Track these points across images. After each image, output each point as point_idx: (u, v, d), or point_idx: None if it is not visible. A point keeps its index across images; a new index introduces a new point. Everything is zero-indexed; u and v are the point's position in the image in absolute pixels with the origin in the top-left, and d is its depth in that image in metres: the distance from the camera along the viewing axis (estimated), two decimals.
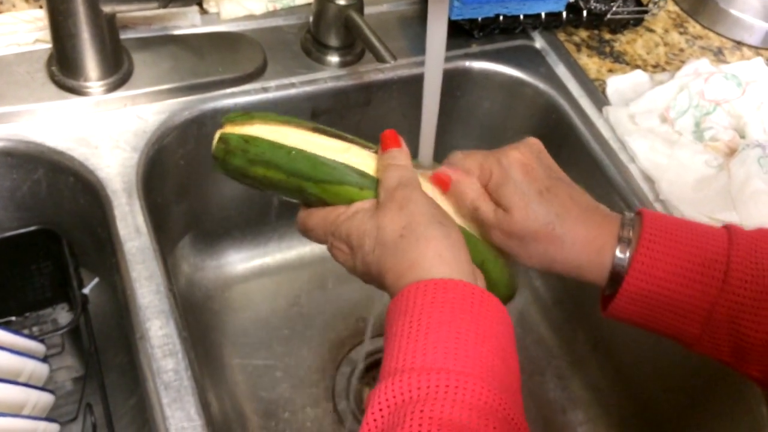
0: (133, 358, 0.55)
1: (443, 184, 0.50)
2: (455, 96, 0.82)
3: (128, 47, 0.69)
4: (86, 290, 0.67)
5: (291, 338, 0.81)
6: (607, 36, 0.88)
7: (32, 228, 0.66)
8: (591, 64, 0.84)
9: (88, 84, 0.65)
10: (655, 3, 0.89)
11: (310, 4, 0.77)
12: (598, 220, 0.50)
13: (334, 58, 0.75)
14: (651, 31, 0.90)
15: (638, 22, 0.89)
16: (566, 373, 0.83)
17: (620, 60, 0.85)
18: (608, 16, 0.85)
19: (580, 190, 0.52)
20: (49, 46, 0.66)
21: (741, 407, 0.63)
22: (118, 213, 0.60)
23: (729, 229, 0.50)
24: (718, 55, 0.90)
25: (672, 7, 0.95)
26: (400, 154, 0.50)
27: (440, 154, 0.54)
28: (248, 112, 0.52)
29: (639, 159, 0.73)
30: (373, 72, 0.76)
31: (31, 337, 0.61)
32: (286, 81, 0.73)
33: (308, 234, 0.52)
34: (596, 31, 0.88)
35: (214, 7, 0.77)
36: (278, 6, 0.79)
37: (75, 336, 0.69)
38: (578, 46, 0.86)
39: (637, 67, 0.84)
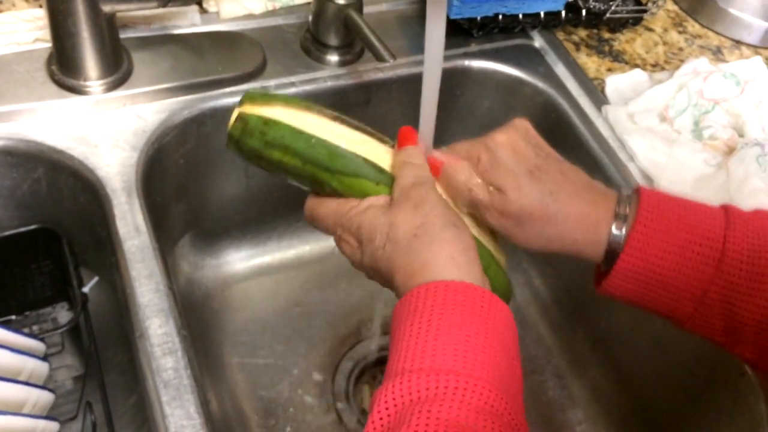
0: (133, 356, 0.55)
1: (434, 169, 0.50)
2: (454, 95, 0.82)
3: (128, 46, 0.69)
4: (86, 289, 0.67)
5: (290, 337, 0.81)
6: (606, 35, 0.88)
7: (32, 227, 0.66)
8: (590, 63, 0.84)
9: (87, 83, 0.65)
10: (654, 2, 0.89)
11: (309, 4, 0.77)
12: (592, 196, 0.50)
13: (333, 58, 0.75)
14: (650, 30, 0.90)
15: (637, 21, 0.89)
16: (565, 372, 0.83)
17: (619, 59, 0.85)
18: (607, 15, 0.86)
19: (572, 167, 0.52)
20: (49, 45, 0.66)
21: (740, 406, 0.63)
22: (117, 212, 0.60)
23: (726, 209, 0.49)
24: (717, 54, 0.90)
25: (671, 6, 0.95)
26: (416, 152, 0.50)
27: None
28: (269, 93, 0.51)
29: (638, 158, 0.73)
30: (372, 71, 0.76)
31: (31, 335, 0.61)
32: (285, 80, 0.73)
33: (315, 223, 0.52)
34: (595, 30, 0.88)
35: (213, 7, 0.77)
36: (277, 5, 0.79)
37: (75, 335, 0.69)
38: (577, 45, 0.86)
39: (636, 66, 0.84)
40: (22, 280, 0.70)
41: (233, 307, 0.83)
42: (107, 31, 0.64)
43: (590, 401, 0.81)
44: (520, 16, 0.82)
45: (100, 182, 0.62)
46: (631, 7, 0.88)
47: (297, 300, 0.84)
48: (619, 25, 0.88)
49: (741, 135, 0.74)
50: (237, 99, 0.70)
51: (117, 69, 0.67)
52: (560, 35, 0.86)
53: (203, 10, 0.77)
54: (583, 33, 0.88)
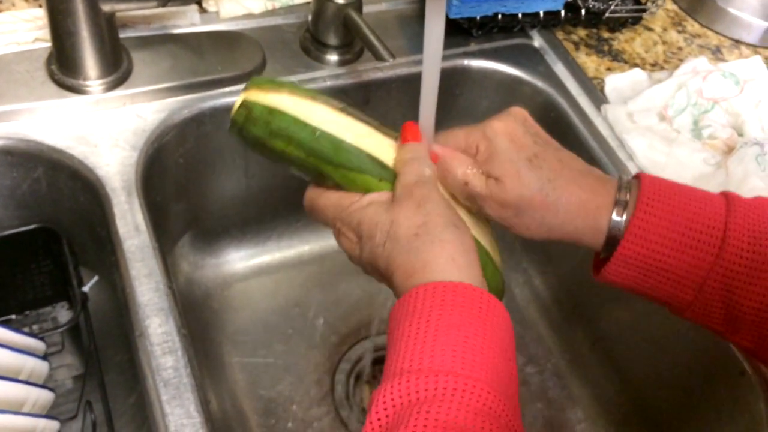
0: (133, 355, 0.55)
1: (432, 158, 0.50)
2: (454, 94, 0.82)
3: (127, 46, 0.69)
4: (86, 288, 0.67)
5: (290, 336, 0.81)
6: (606, 34, 0.88)
7: (32, 226, 0.66)
8: (589, 62, 0.84)
9: (87, 83, 0.66)
10: (653, 1, 0.89)
11: (308, 3, 0.77)
12: (591, 183, 0.50)
13: (332, 57, 0.75)
14: (649, 29, 0.90)
15: (637, 20, 0.89)
16: (565, 371, 0.83)
17: (619, 58, 0.85)
18: (606, 14, 0.86)
19: (570, 154, 0.51)
20: (49, 44, 0.66)
21: (739, 405, 0.63)
22: (117, 211, 0.60)
23: (727, 196, 0.49)
24: (717, 53, 0.90)
25: (670, 5, 0.95)
26: (420, 149, 0.49)
27: None
28: (276, 80, 0.50)
29: (637, 157, 0.73)
30: (372, 71, 0.76)
31: (31, 334, 0.61)
32: (285, 80, 0.73)
33: (314, 214, 0.52)
34: (595, 30, 0.88)
35: (213, 6, 0.77)
36: (277, 5, 0.79)
37: (75, 334, 0.69)
38: (577, 45, 0.86)
39: (636, 65, 0.84)
40: (22, 280, 0.70)
41: (233, 307, 0.83)
42: (107, 31, 0.64)
43: (590, 401, 0.81)
44: (520, 15, 0.82)
45: (99, 182, 0.62)
46: (630, 7, 0.88)
47: (297, 299, 0.84)
48: (618, 25, 0.88)
49: (740, 134, 0.74)
50: (237, 99, 0.70)
51: (116, 68, 0.67)
52: (559, 35, 0.86)
53: (203, 10, 0.77)
54: (582, 32, 0.88)
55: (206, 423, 0.50)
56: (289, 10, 0.80)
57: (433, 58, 0.49)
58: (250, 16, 0.78)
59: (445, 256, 0.44)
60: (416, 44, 0.79)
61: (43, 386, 0.59)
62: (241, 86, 0.71)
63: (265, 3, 0.79)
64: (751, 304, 0.47)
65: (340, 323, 0.83)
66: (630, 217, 0.48)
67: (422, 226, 0.45)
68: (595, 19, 0.87)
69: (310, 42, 0.75)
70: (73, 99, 0.65)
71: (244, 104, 0.49)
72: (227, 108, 0.71)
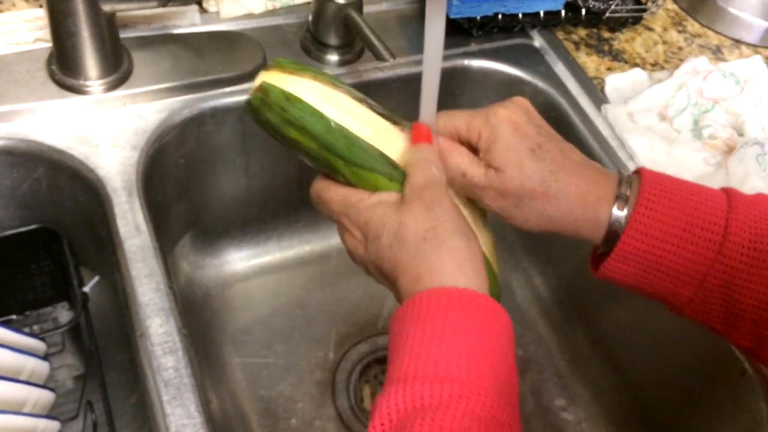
0: (134, 356, 0.55)
1: (426, 137, 0.49)
2: (454, 94, 0.82)
3: (128, 46, 0.69)
4: (86, 288, 0.67)
5: (291, 336, 0.81)
6: (606, 34, 0.88)
7: (32, 227, 0.67)
8: (590, 62, 0.84)
9: (88, 83, 0.66)
10: (653, 1, 0.89)
11: (309, 3, 0.77)
12: (592, 175, 0.49)
13: (333, 57, 0.75)
14: (650, 29, 0.90)
15: (637, 20, 0.89)
16: (565, 371, 0.83)
17: (619, 58, 0.85)
18: (607, 14, 0.86)
19: (572, 147, 0.51)
20: (49, 45, 0.66)
21: (740, 405, 0.63)
22: (118, 211, 0.60)
23: (728, 193, 0.49)
24: (717, 53, 0.90)
25: (671, 5, 0.95)
26: (431, 151, 0.49)
27: None
28: (299, 63, 0.49)
29: (638, 157, 0.73)
30: (372, 71, 0.76)
31: (31, 335, 0.61)
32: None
33: (320, 206, 0.52)
34: (595, 30, 0.88)
35: (213, 6, 0.77)
36: (277, 5, 0.79)
37: (75, 334, 0.69)
38: (577, 45, 0.86)
39: (636, 65, 0.84)
40: (23, 280, 0.70)
41: (234, 307, 0.83)
42: (107, 31, 0.64)
43: (590, 401, 0.81)
44: (520, 15, 0.82)
45: (100, 182, 0.62)
46: (630, 7, 0.88)
47: (297, 299, 0.84)
48: (618, 25, 0.88)
49: (740, 134, 0.74)
50: (237, 98, 0.71)
51: (117, 69, 0.67)
52: (560, 34, 0.86)
53: (203, 10, 0.77)
54: (582, 32, 0.88)
55: (207, 423, 0.50)
56: (289, 10, 0.80)
57: (433, 59, 0.49)
58: (250, 16, 0.78)
59: (453, 262, 0.43)
60: (417, 44, 0.79)
61: (43, 386, 0.59)
62: (241, 86, 0.71)
63: (265, 3, 0.79)
64: (750, 302, 0.47)
65: (341, 323, 0.83)
66: (631, 212, 0.48)
67: (431, 230, 0.44)
68: (595, 19, 0.87)
69: (311, 42, 0.75)
70: (74, 99, 0.65)
71: (262, 87, 0.48)
72: (228, 108, 0.71)
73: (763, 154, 0.69)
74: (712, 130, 0.74)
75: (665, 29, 0.91)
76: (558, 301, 0.87)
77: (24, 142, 0.63)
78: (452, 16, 0.79)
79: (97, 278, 0.72)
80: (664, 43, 0.89)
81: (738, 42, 0.92)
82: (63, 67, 0.65)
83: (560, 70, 0.82)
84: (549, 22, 0.84)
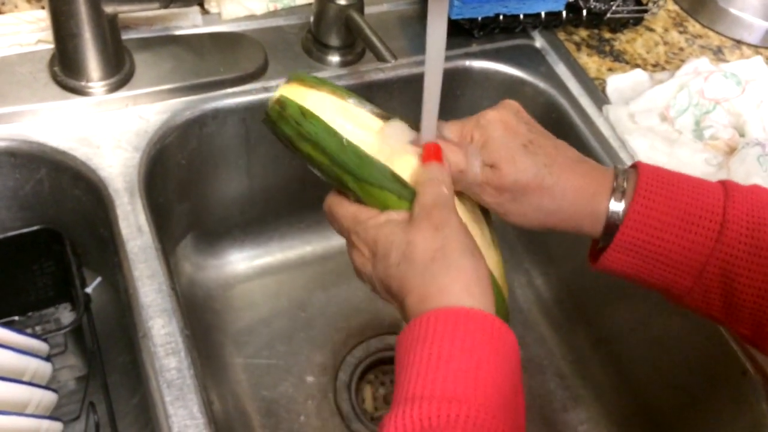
0: (136, 356, 0.55)
1: (436, 156, 0.50)
2: (455, 95, 0.83)
3: (130, 47, 0.69)
4: (89, 289, 0.67)
5: (292, 337, 0.81)
6: (607, 35, 0.88)
7: (35, 228, 0.67)
8: (591, 63, 0.84)
9: (90, 84, 0.66)
10: (654, 2, 0.89)
11: (310, 4, 0.78)
12: (587, 169, 0.50)
13: (334, 58, 0.75)
14: (651, 30, 0.91)
15: (638, 21, 0.89)
16: (567, 371, 0.84)
17: (620, 59, 0.85)
18: (608, 15, 0.86)
19: (565, 144, 0.52)
20: (51, 46, 0.66)
21: (742, 405, 0.63)
22: (120, 212, 0.60)
23: (725, 184, 0.50)
24: (718, 54, 0.90)
25: (672, 6, 0.96)
26: (441, 171, 0.49)
27: None
28: (318, 78, 0.50)
29: (639, 157, 0.73)
30: (373, 71, 0.76)
31: (34, 336, 0.61)
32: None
33: (331, 220, 0.52)
34: (596, 31, 0.88)
35: (215, 8, 0.77)
36: (279, 6, 0.80)
37: (78, 335, 0.70)
38: (578, 46, 0.86)
39: (637, 66, 0.84)
40: (25, 281, 0.70)
41: (235, 308, 0.83)
42: (109, 32, 0.64)
43: (592, 401, 0.81)
44: (521, 16, 0.82)
45: (102, 183, 0.62)
46: (631, 7, 0.88)
47: (299, 300, 0.84)
48: (619, 25, 0.88)
49: (742, 135, 0.74)
50: (239, 99, 0.71)
51: (119, 70, 0.67)
52: (561, 35, 0.87)
53: (205, 11, 0.77)
54: (584, 33, 0.88)
55: (209, 424, 0.51)
56: (290, 11, 0.80)
57: (435, 59, 0.49)
58: (252, 17, 0.78)
59: (460, 283, 0.43)
60: (418, 45, 0.79)
61: (46, 387, 0.59)
62: (243, 87, 0.71)
63: (267, 4, 0.79)
64: (750, 291, 0.47)
65: (343, 324, 0.83)
66: (629, 203, 0.48)
67: (439, 250, 0.44)
68: (596, 20, 0.87)
69: (312, 43, 0.75)
70: (76, 100, 0.66)
71: (279, 100, 0.49)
72: (229, 109, 0.71)
73: (765, 154, 0.70)
74: (714, 131, 0.74)
75: (666, 30, 0.91)
76: (559, 301, 0.87)
77: (26, 144, 0.63)
78: (453, 17, 0.79)
79: (99, 279, 0.72)
80: (665, 43, 0.89)
81: (739, 42, 0.92)
82: (65, 69, 0.65)
83: (561, 70, 0.82)
84: (550, 22, 0.84)
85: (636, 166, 0.51)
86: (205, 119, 0.70)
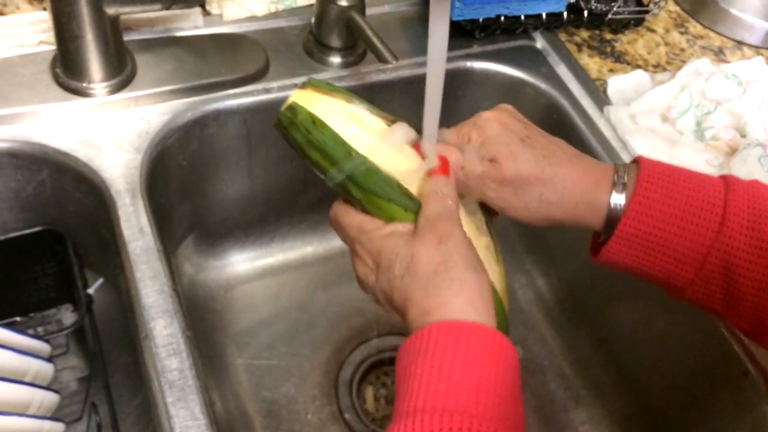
0: (138, 357, 0.56)
1: (443, 169, 0.50)
2: (457, 96, 0.83)
3: (131, 49, 0.69)
4: (91, 290, 0.67)
5: (294, 338, 0.81)
6: (608, 36, 0.88)
7: (37, 229, 0.67)
8: (592, 64, 0.84)
9: (91, 85, 0.66)
10: (655, 3, 0.89)
11: (312, 6, 0.78)
12: (586, 163, 0.51)
13: (336, 59, 0.75)
14: (652, 31, 0.91)
15: (639, 22, 0.89)
16: (568, 372, 0.84)
17: (621, 60, 0.85)
18: (609, 16, 0.86)
19: (561, 140, 0.53)
20: (53, 47, 0.66)
21: (743, 405, 0.63)
22: (122, 213, 0.60)
23: (725, 178, 0.50)
24: (719, 54, 0.90)
25: (672, 7, 0.96)
26: (446, 184, 0.49)
27: None
28: (332, 85, 0.50)
29: None
30: (374, 73, 0.76)
31: (36, 336, 0.61)
32: (288, 82, 0.73)
33: (336, 228, 0.52)
34: (597, 31, 0.88)
35: (216, 9, 0.78)
36: (280, 7, 0.80)
37: (80, 336, 0.70)
38: (579, 46, 0.86)
39: (638, 66, 0.84)
40: (27, 282, 0.71)
41: (236, 309, 0.83)
42: (111, 34, 0.64)
43: (593, 401, 0.81)
44: (522, 17, 0.82)
45: (104, 184, 0.62)
46: (632, 8, 0.88)
47: (300, 301, 0.85)
48: (620, 26, 0.88)
49: (743, 135, 0.74)
50: (240, 101, 0.71)
51: (121, 71, 0.67)
52: (562, 36, 0.87)
53: (206, 13, 0.77)
54: (585, 34, 0.88)
55: (211, 425, 0.51)
56: (292, 12, 0.80)
57: (437, 61, 0.49)
58: (253, 18, 0.78)
59: (462, 297, 0.44)
60: (419, 46, 0.79)
61: (48, 388, 0.59)
62: (244, 89, 0.71)
63: (268, 5, 0.79)
64: (750, 284, 0.47)
65: (344, 325, 0.83)
66: (631, 194, 0.49)
67: (442, 263, 0.44)
68: (597, 21, 0.87)
69: (313, 44, 0.75)
70: (78, 102, 0.66)
71: (291, 107, 0.49)
72: (231, 110, 0.71)
73: (766, 155, 0.70)
74: (715, 132, 0.74)
75: (667, 31, 0.91)
76: (560, 302, 0.88)
77: (28, 145, 0.63)
78: (455, 18, 0.79)
79: (101, 280, 0.72)
80: (666, 44, 0.89)
81: (740, 43, 0.92)
82: (67, 70, 0.65)
83: (562, 71, 0.82)
84: (551, 23, 0.84)
85: (637, 160, 0.51)
86: (207, 120, 0.70)
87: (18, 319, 0.72)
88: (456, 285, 0.44)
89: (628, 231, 0.49)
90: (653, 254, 0.49)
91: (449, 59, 0.71)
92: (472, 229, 0.51)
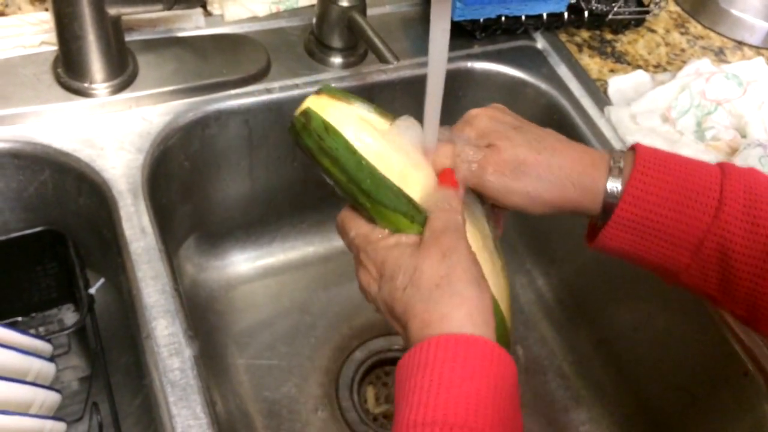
0: (139, 357, 0.56)
1: (452, 182, 0.51)
2: (457, 96, 0.83)
3: (133, 49, 0.70)
4: (92, 290, 0.67)
5: (295, 338, 0.82)
6: (609, 36, 0.88)
7: (38, 229, 0.67)
8: (592, 64, 0.84)
9: (93, 86, 0.66)
10: (656, 3, 0.89)
11: (313, 6, 0.78)
12: (580, 147, 0.52)
13: (337, 60, 0.76)
14: (652, 31, 0.91)
15: (639, 22, 0.89)
16: (569, 372, 0.84)
17: (622, 60, 0.85)
18: (609, 16, 0.86)
19: (553, 131, 0.54)
20: (55, 48, 0.66)
21: (743, 406, 0.63)
22: (123, 214, 0.60)
23: (722, 164, 0.50)
24: (720, 55, 0.90)
25: (673, 7, 0.96)
26: (453, 197, 0.49)
27: None
28: (347, 93, 0.51)
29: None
30: (375, 73, 0.76)
31: (37, 336, 0.61)
32: (289, 82, 0.73)
33: (342, 235, 0.52)
34: (598, 32, 0.89)
35: (217, 9, 0.78)
36: (281, 8, 0.80)
37: (81, 336, 0.70)
38: (580, 47, 0.86)
39: (639, 67, 0.84)
40: (28, 282, 0.71)
41: (238, 309, 0.83)
42: (113, 34, 0.64)
43: (594, 401, 0.81)
44: (523, 17, 0.82)
45: (106, 184, 0.62)
46: (633, 9, 0.88)
47: (301, 301, 0.85)
48: (621, 27, 0.88)
49: (743, 136, 0.74)
50: (241, 101, 0.71)
51: (122, 72, 0.67)
52: (563, 37, 0.87)
53: (207, 13, 0.78)
54: (585, 34, 0.88)
55: (212, 424, 0.51)
56: (293, 13, 0.80)
57: (438, 61, 0.49)
58: (254, 19, 0.78)
59: (463, 311, 0.44)
60: (420, 46, 0.79)
61: (49, 388, 0.59)
62: (245, 89, 0.71)
63: (269, 6, 0.79)
64: (746, 269, 0.47)
65: (345, 325, 0.84)
66: (627, 179, 0.49)
67: (445, 277, 0.45)
68: (598, 21, 0.87)
69: (315, 45, 0.76)
70: (79, 102, 0.66)
71: (305, 112, 0.49)
72: (232, 110, 0.71)
73: (766, 155, 0.70)
74: (715, 132, 0.74)
75: (668, 31, 0.91)
76: (561, 302, 0.88)
77: (30, 145, 0.63)
78: (455, 19, 0.79)
79: (102, 280, 0.72)
80: (667, 44, 0.89)
81: (740, 43, 0.92)
82: (69, 70, 0.66)
83: (563, 72, 0.82)
84: (552, 24, 0.84)
85: (633, 147, 0.52)
86: (208, 121, 0.70)
87: (20, 318, 0.72)
88: (457, 299, 0.44)
89: (624, 216, 0.49)
90: (650, 239, 0.49)
91: (450, 59, 0.71)
92: (479, 244, 0.51)
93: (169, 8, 0.65)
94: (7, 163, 0.64)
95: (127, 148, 0.65)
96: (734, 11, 0.92)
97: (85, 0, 0.60)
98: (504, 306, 0.51)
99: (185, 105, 0.69)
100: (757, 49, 0.92)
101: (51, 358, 0.62)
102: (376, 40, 0.67)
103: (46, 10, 0.72)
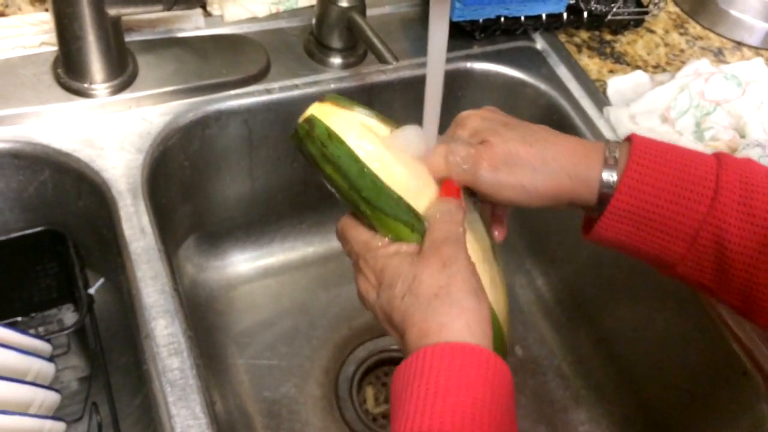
0: (139, 357, 0.56)
1: (454, 192, 0.51)
2: (457, 96, 0.83)
3: (133, 50, 0.70)
4: (92, 290, 0.67)
5: (294, 338, 0.82)
6: (608, 37, 0.88)
7: (38, 229, 0.67)
8: (592, 64, 0.84)
9: (93, 86, 0.66)
10: (655, 4, 0.89)
11: (312, 7, 0.78)
12: (574, 138, 0.52)
13: (336, 60, 0.76)
14: (651, 31, 0.91)
15: (639, 23, 0.89)
16: (568, 372, 0.84)
17: (621, 61, 0.86)
18: (609, 17, 0.86)
19: (545, 126, 0.54)
20: (55, 48, 0.66)
21: (742, 405, 0.63)
22: (123, 214, 0.61)
23: (718, 155, 0.50)
24: (719, 55, 0.90)
25: (672, 7, 0.96)
26: (455, 208, 0.49)
27: None
28: (352, 100, 0.51)
29: None
30: (375, 73, 0.77)
31: (37, 336, 0.61)
32: (289, 83, 0.73)
33: (342, 242, 0.52)
34: (597, 32, 0.89)
35: (217, 10, 0.78)
36: (281, 8, 0.80)
37: (81, 336, 0.70)
38: (579, 47, 0.86)
39: (638, 67, 0.85)
40: (28, 282, 0.71)
41: (237, 309, 0.83)
42: (113, 35, 0.64)
43: (593, 401, 0.81)
44: (522, 18, 0.82)
45: (105, 184, 0.62)
46: (632, 9, 0.88)
47: (301, 301, 0.85)
48: (620, 27, 0.89)
49: (742, 136, 0.74)
50: (241, 102, 0.71)
51: (122, 72, 0.68)
52: (562, 37, 0.87)
53: (207, 14, 0.78)
54: (584, 35, 0.88)
55: (212, 424, 0.51)
56: (293, 13, 0.80)
57: (437, 61, 0.49)
58: (254, 19, 0.78)
59: (462, 321, 0.44)
60: (419, 47, 0.80)
61: (49, 388, 0.59)
62: (245, 89, 0.71)
63: (269, 6, 0.79)
64: (741, 259, 0.47)
65: (344, 325, 0.84)
66: (623, 169, 0.49)
67: (444, 287, 0.45)
68: (597, 22, 0.87)
69: (314, 45, 0.76)
70: (79, 102, 0.66)
71: (309, 119, 0.49)
72: (232, 111, 0.71)
73: (766, 155, 0.70)
74: (714, 132, 0.74)
75: (667, 31, 0.92)
76: (560, 301, 0.88)
77: (30, 145, 0.64)
78: (455, 19, 0.79)
79: (102, 280, 0.72)
80: (666, 45, 0.89)
81: (739, 44, 0.92)
82: (69, 71, 0.66)
83: (562, 72, 0.82)
84: (551, 24, 0.85)
85: (629, 138, 0.51)
86: (208, 121, 0.70)
87: (19, 318, 0.72)
88: (455, 309, 0.44)
89: (620, 206, 0.49)
90: (646, 230, 0.49)
91: (449, 60, 0.72)
92: (479, 255, 0.51)
93: (169, 9, 0.65)
94: (7, 163, 0.64)
95: (126, 149, 0.65)
96: (733, 12, 0.92)
97: (85, 0, 0.60)
98: (502, 318, 0.51)
99: (185, 105, 0.69)
100: (756, 50, 0.92)
101: (50, 358, 0.62)
102: (376, 41, 0.68)
103: (46, 10, 0.72)
